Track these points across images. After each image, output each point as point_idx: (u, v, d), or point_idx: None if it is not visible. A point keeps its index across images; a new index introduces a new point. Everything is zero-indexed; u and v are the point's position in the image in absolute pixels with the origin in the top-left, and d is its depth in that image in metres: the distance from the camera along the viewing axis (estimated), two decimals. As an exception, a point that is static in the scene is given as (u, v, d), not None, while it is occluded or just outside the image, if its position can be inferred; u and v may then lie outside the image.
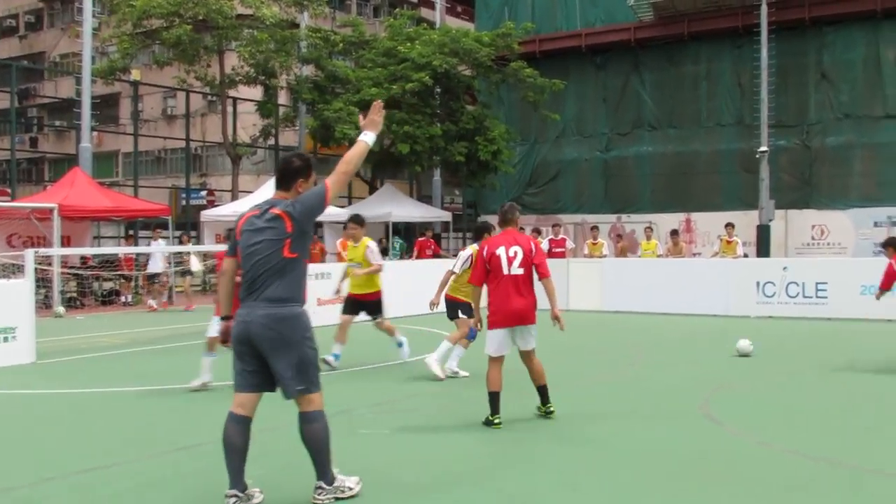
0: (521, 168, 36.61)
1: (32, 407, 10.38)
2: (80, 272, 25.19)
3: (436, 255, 25.75)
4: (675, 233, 24.78)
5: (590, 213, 34.68)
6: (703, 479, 6.85)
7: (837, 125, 31.17)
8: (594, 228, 26.23)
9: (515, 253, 8.60)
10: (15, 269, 19.89)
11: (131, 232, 30.62)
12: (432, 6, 42.00)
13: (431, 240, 26.44)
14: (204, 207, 34.50)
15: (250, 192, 32.03)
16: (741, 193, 31.44)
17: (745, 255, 24.12)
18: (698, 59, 33.66)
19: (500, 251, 8.62)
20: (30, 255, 14.32)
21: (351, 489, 6.27)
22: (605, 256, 24.40)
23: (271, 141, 37.34)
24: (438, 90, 32.85)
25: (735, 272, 20.74)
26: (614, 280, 21.71)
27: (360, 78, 30.90)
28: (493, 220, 33.55)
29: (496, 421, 8.59)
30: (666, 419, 9.11)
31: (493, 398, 8.63)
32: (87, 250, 25.70)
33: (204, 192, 41.79)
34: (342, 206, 33.85)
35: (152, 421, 9.32)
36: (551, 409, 9.00)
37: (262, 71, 32.41)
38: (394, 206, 31.64)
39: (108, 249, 28.36)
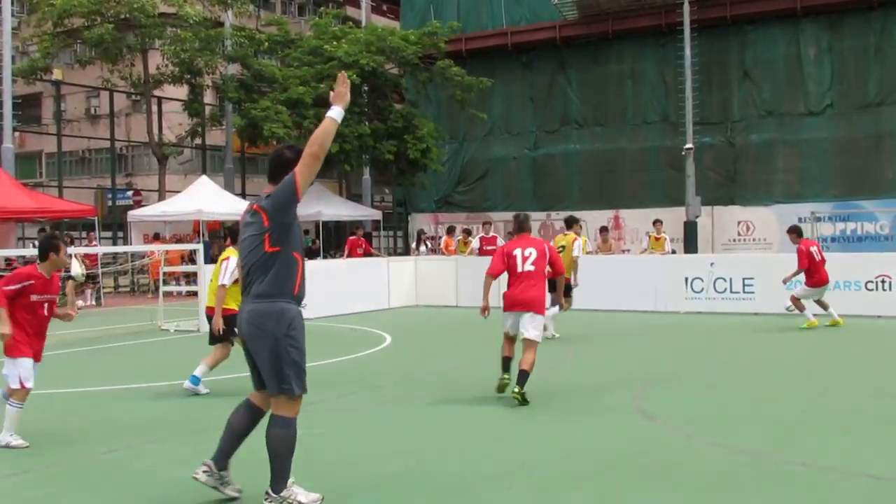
0: (451, 166, 36.60)
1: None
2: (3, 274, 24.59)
3: (367, 254, 25.64)
4: (604, 229, 24.95)
5: (519, 210, 34.62)
6: (636, 474, 6.90)
7: (761, 122, 31.64)
8: (524, 225, 26.31)
9: (530, 253, 10.03)
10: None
11: (57, 233, 30.00)
12: (358, 5, 41.90)
13: (362, 238, 26.32)
14: (131, 208, 33.98)
15: (178, 191, 31.65)
16: (668, 190, 31.72)
17: (673, 252, 24.38)
18: (623, 57, 33.93)
19: (517, 252, 10.08)
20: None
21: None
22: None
23: (198, 140, 36.93)
24: (366, 89, 32.76)
25: (663, 268, 20.92)
26: (545, 277, 21.72)
27: (287, 77, 30.66)
28: (423, 218, 33.22)
29: (505, 378, 9.94)
30: (599, 415, 9.17)
31: (505, 361, 10.09)
32: (11, 252, 25.14)
33: (130, 193, 41.17)
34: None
35: (80, 423, 9.11)
36: (517, 391, 9.53)
37: (187, 70, 32.02)
38: (323, 205, 31.46)
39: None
